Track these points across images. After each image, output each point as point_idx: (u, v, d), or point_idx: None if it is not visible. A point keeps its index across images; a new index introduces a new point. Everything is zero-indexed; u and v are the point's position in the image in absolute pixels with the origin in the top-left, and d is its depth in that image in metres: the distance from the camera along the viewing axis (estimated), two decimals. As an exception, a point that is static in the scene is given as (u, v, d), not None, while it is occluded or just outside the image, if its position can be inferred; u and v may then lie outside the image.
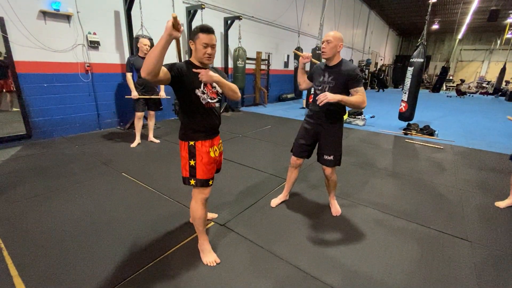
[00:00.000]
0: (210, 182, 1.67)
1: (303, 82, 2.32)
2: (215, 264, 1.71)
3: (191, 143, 1.59)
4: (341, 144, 2.17)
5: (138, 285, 1.54)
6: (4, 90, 3.81)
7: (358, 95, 1.94)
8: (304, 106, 7.42)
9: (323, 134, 2.15)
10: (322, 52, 2.00)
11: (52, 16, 4.03)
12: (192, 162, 1.60)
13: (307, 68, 7.70)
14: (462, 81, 17.29)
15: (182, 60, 1.65)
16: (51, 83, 4.19)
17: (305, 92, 8.53)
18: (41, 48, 4.00)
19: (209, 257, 1.74)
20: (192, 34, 1.52)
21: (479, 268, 1.77)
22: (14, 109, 3.89)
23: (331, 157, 2.14)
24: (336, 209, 2.39)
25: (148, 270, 1.65)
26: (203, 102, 1.56)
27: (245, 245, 1.91)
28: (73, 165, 3.25)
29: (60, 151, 3.72)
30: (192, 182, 1.63)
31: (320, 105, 1.83)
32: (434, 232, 2.16)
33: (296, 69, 9.03)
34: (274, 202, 2.49)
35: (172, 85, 1.49)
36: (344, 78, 1.95)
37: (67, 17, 4.18)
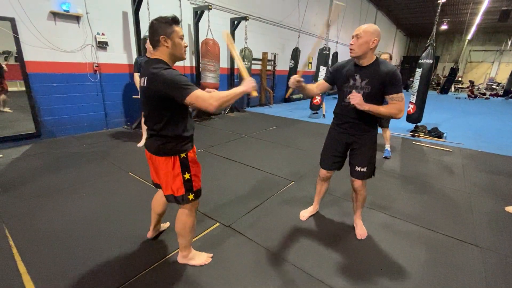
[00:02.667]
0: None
1: (310, 90, 1.95)
2: (210, 259, 1.73)
3: (183, 155, 1.43)
4: (375, 154, 1.93)
5: (144, 285, 1.55)
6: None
7: (393, 104, 1.67)
8: (314, 109, 7.25)
9: (356, 145, 1.90)
10: (350, 49, 1.69)
11: (62, 17, 4.09)
12: (187, 176, 1.44)
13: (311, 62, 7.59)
14: (471, 82, 16.98)
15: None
16: (60, 83, 4.26)
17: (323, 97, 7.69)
18: (51, 49, 4.06)
19: (201, 258, 1.72)
20: (162, 29, 1.31)
21: (489, 275, 1.73)
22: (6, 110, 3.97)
23: (365, 169, 1.90)
24: (362, 230, 2.08)
25: (154, 269, 1.66)
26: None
27: (249, 247, 1.91)
28: (81, 163, 3.30)
29: (68, 150, 3.78)
30: (191, 196, 1.49)
31: (351, 104, 1.66)
32: (443, 237, 2.12)
33: (291, 69, 8.98)
34: (304, 215, 2.28)
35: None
36: (380, 81, 1.67)
37: (77, 18, 4.24)
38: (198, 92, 1.26)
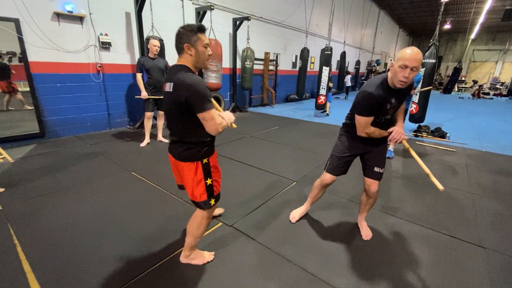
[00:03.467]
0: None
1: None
2: (212, 256, 1.75)
3: (205, 161, 1.44)
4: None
5: (147, 284, 1.56)
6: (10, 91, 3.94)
7: (400, 109, 1.78)
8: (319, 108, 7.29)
9: (373, 146, 1.88)
10: (402, 82, 1.50)
11: (66, 18, 4.12)
12: (208, 181, 1.46)
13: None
14: (475, 82, 16.87)
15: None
16: (64, 83, 4.28)
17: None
18: (55, 49, 4.09)
19: (203, 256, 1.73)
20: (186, 37, 1.31)
21: (493, 275, 1.72)
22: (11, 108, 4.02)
23: (383, 170, 1.89)
24: (367, 231, 2.08)
25: (157, 269, 1.67)
26: None
27: (252, 247, 1.91)
28: (84, 163, 3.32)
29: (71, 150, 3.80)
30: (213, 202, 1.50)
31: (397, 143, 1.70)
32: (446, 237, 2.11)
33: (300, 69, 8.92)
34: (294, 216, 2.23)
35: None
36: (406, 94, 1.69)
37: (80, 19, 4.27)
38: (214, 112, 1.30)
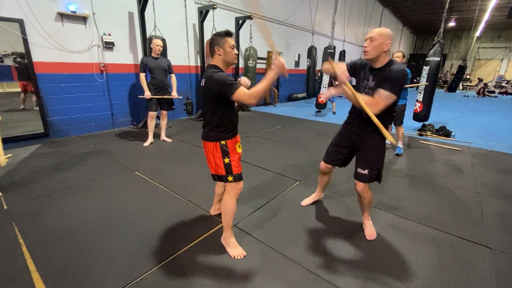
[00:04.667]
0: (242, 175, 1.80)
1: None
2: (242, 257, 1.78)
3: (223, 142, 1.69)
4: (380, 159, 1.87)
5: (151, 283, 1.56)
6: (28, 90, 4.00)
7: (376, 96, 1.65)
8: (317, 107, 7.28)
9: (360, 145, 1.90)
10: (364, 52, 1.74)
11: (69, 18, 4.14)
12: (226, 160, 1.71)
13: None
14: (480, 80, 16.67)
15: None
16: (68, 83, 4.31)
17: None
18: (59, 49, 4.11)
19: (236, 250, 1.81)
20: (216, 41, 1.62)
21: (500, 276, 1.70)
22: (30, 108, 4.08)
23: (366, 172, 1.86)
24: (371, 231, 2.04)
25: (161, 268, 1.67)
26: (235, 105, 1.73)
27: (256, 247, 1.91)
28: (88, 163, 3.34)
29: (75, 149, 3.82)
30: (230, 178, 1.74)
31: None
32: (452, 237, 2.09)
33: (308, 68, 8.88)
34: (305, 201, 2.46)
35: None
36: (383, 78, 1.69)
37: (84, 19, 4.29)
38: (243, 89, 1.53)
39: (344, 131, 2.01)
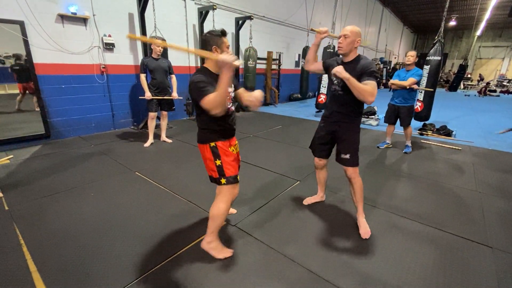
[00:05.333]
0: (238, 178, 1.73)
1: (312, 61, 2.19)
2: (231, 254, 1.78)
3: (212, 144, 1.64)
4: (357, 142, 2.07)
5: (152, 283, 1.56)
6: (27, 92, 4.02)
7: (368, 87, 1.80)
8: (317, 107, 7.32)
9: (339, 133, 2.08)
10: (339, 47, 1.92)
11: (70, 19, 4.15)
12: (218, 162, 1.65)
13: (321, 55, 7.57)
14: (481, 78, 16.61)
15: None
16: (69, 85, 4.32)
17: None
18: (59, 51, 4.13)
19: (224, 252, 1.78)
20: (213, 40, 1.53)
21: (501, 276, 1.69)
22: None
23: (347, 156, 2.05)
24: (365, 229, 2.07)
25: (161, 268, 1.67)
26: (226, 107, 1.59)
27: (256, 246, 1.91)
28: (89, 164, 3.35)
29: (76, 150, 3.83)
30: (223, 181, 1.67)
31: (336, 75, 1.82)
32: (453, 237, 2.08)
33: (302, 69, 8.96)
34: (306, 201, 2.50)
35: None
36: (358, 74, 1.83)
37: (84, 20, 4.30)
38: (209, 97, 1.41)
39: (324, 123, 2.17)
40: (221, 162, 1.65)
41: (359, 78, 1.82)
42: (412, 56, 3.81)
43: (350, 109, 2.00)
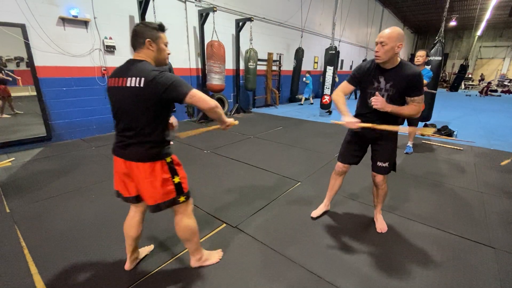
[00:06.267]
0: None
1: (344, 98, 1.93)
2: (222, 253, 1.80)
3: (168, 159, 1.39)
4: (395, 151, 1.98)
5: (154, 285, 1.56)
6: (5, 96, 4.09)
7: (413, 105, 1.72)
8: (312, 102, 7.43)
9: (377, 140, 1.94)
10: (376, 57, 1.71)
11: (71, 22, 4.18)
12: (176, 180, 1.41)
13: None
14: (482, 78, 16.57)
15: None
16: (70, 87, 4.34)
17: (307, 89, 9.08)
18: (60, 53, 4.15)
19: (214, 256, 1.76)
20: (148, 33, 1.32)
21: (504, 276, 1.68)
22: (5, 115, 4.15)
23: (386, 164, 1.94)
24: (382, 225, 2.12)
25: (162, 270, 1.67)
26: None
27: (257, 248, 1.90)
28: (90, 166, 3.35)
29: (78, 153, 3.84)
30: (182, 198, 1.46)
31: (374, 107, 1.72)
32: (455, 237, 2.07)
33: (294, 69, 9.07)
34: (315, 213, 2.30)
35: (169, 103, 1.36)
36: (404, 84, 1.69)
37: (85, 23, 4.32)
38: (196, 90, 1.31)
39: (364, 131, 1.92)
40: (179, 179, 1.42)
41: (406, 90, 1.71)
42: (421, 56, 3.64)
43: (389, 119, 1.83)
